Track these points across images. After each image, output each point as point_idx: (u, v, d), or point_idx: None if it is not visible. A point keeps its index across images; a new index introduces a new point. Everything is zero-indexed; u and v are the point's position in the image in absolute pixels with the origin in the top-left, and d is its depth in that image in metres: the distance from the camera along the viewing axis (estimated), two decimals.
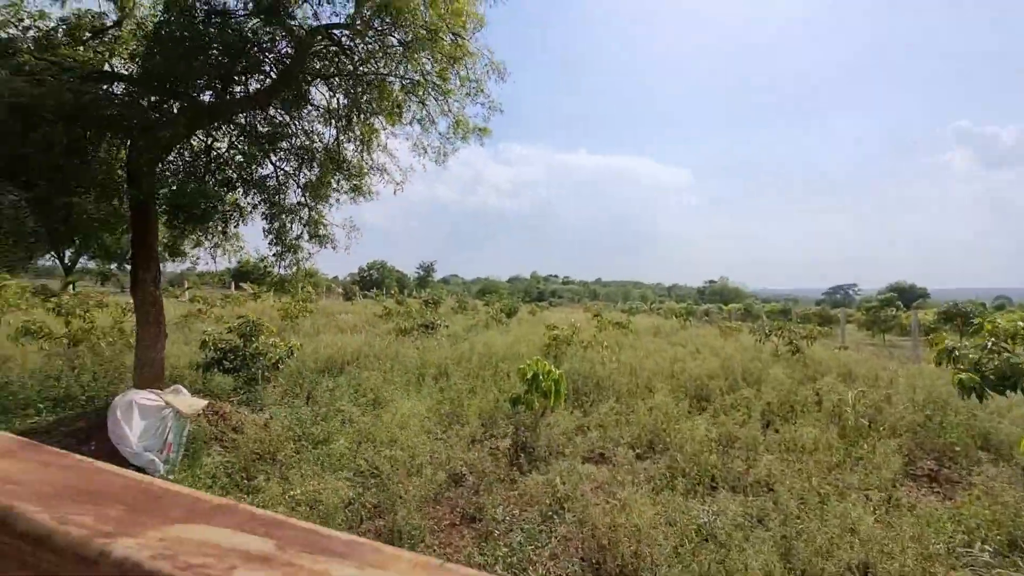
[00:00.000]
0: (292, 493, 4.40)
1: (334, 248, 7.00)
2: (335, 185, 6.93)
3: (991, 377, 4.98)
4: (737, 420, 6.31)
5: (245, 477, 4.97)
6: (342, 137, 7.16)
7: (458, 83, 6.75)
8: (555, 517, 4.10)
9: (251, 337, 8.11)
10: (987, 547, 3.55)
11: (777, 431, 6.05)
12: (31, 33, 6.27)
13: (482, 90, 6.85)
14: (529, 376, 6.28)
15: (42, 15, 6.45)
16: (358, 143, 7.20)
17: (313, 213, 7.00)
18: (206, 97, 6.61)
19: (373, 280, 60.58)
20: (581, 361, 9.19)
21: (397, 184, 7.39)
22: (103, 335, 9.19)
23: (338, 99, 7.11)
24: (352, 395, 7.24)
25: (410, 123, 7.34)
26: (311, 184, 6.76)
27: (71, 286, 21.42)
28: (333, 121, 7.27)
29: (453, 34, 6.28)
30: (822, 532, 3.63)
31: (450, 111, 7.21)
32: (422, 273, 74.45)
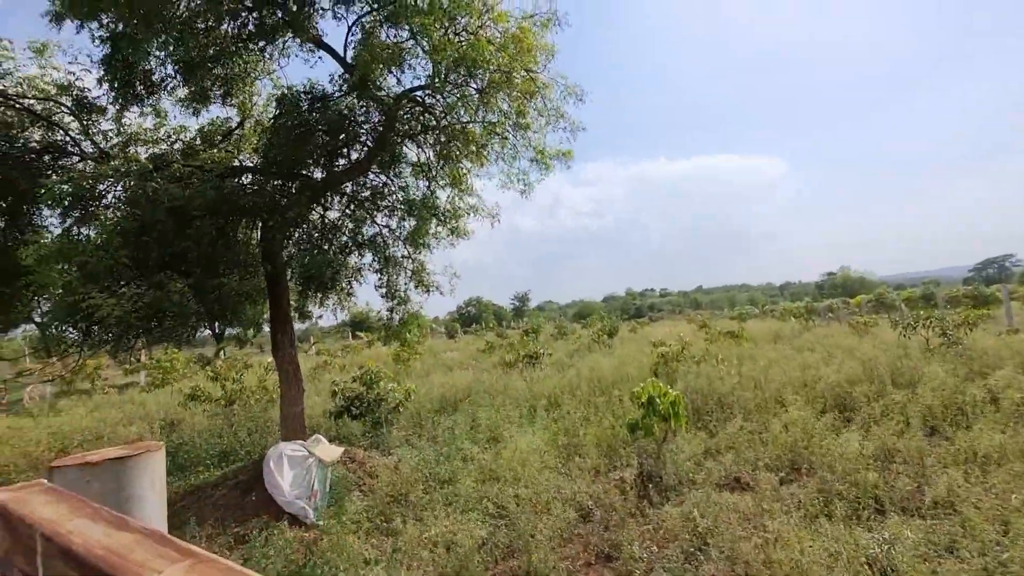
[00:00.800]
0: (428, 535, 4.53)
1: (440, 293, 7.34)
2: (432, 232, 7.31)
3: None
4: (893, 430, 5.55)
5: (384, 520, 5.21)
6: (434, 185, 7.59)
7: (536, 114, 6.89)
8: (699, 554, 3.81)
9: (372, 384, 8.66)
10: None
11: (948, 439, 5.25)
12: (177, 145, 7.44)
13: (562, 115, 6.93)
14: (644, 400, 6.01)
15: (183, 128, 7.63)
16: (449, 188, 7.59)
17: (416, 263, 7.42)
18: (318, 174, 7.36)
19: (472, 316, 62.68)
20: (696, 378, 8.67)
21: (493, 218, 7.63)
22: (251, 394, 10.32)
23: (427, 152, 7.57)
24: (469, 432, 7.40)
25: (495, 161, 7.59)
26: (411, 234, 7.20)
27: (222, 352, 24.51)
28: (424, 173, 7.74)
29: (526, 70, 6.46)
30: None
31: (530, 144, 7.36)
32: (517, 303, 75.73)
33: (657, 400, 5.97)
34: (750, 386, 7.88)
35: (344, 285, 7.19)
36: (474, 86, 6.64)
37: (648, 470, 5.62)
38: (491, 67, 6.28)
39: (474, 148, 7.13)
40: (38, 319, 7.65)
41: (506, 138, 7.32)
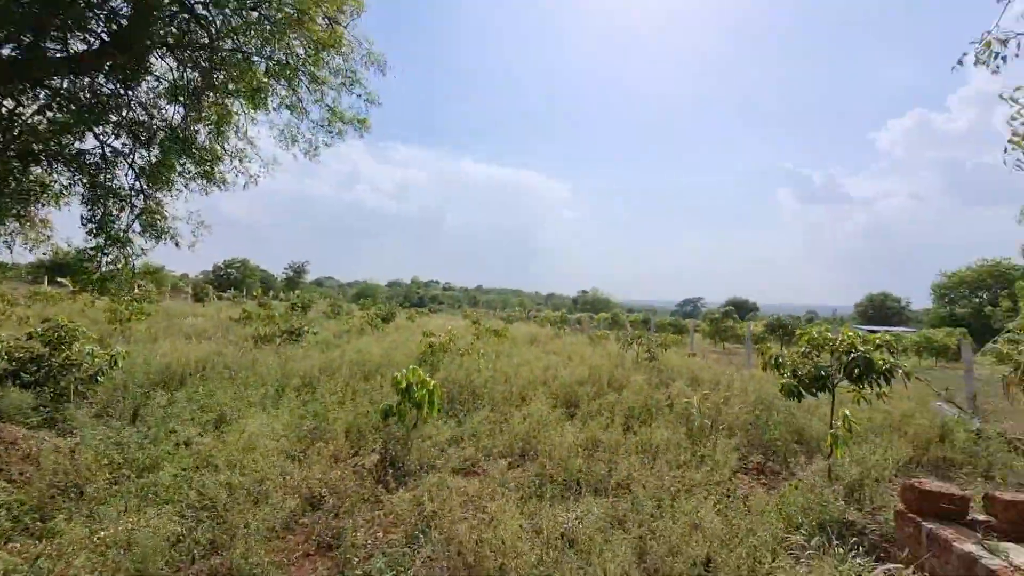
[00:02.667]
0: (101, 534, 3.64)
1: (176, 244, 6.06)
2: (180, 170, 6.01)
3: (805, 380, 5.86)
4: (602, 424, 6.60)
5: (39, 519, 4.03)
6: (191, 115, 6.25)
7: (330, 72, 6.28)
8: (421, 537, 3.89)
9: (61, 344, 6.73)
10: (802, 532, 4.07)
11: (635, 433, 6.44)
12: None
13: (358, 81, 6.44)
14: (403, 386, 6.00)
15: None
16: (210, 125, 6.35)
17: (150, 201, 6.00)
18: (6, 51, 5.37)
19: (231, 280, 54.81)
20: (458, 369, 9.04)
21: (251, 177, 6.65)
22: None
23: (186, 73, 6.21)
24: (194, 412, 6.32)
25: (276, 109, 6.67)
26: (149, 167, 5.79)
27: None
28: (181, 98, 6.32)
29: (327, 18, 5.83)
30: (673, 530, 3.88)
31: (324, 101, 6.69)
32: (291, 274, 69.08)
33: (415, 387, 6.04)
34: (502, 380, 8.51)
35: (13, 203, 5.34)
36: (264, 12, 5.72)
37: (392, 456, 5.60)
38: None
39: (247, 86, 6.11)
40: None
41: (295, 88, 6.50)
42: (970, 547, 3.21)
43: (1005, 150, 3.00)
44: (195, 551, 3.68)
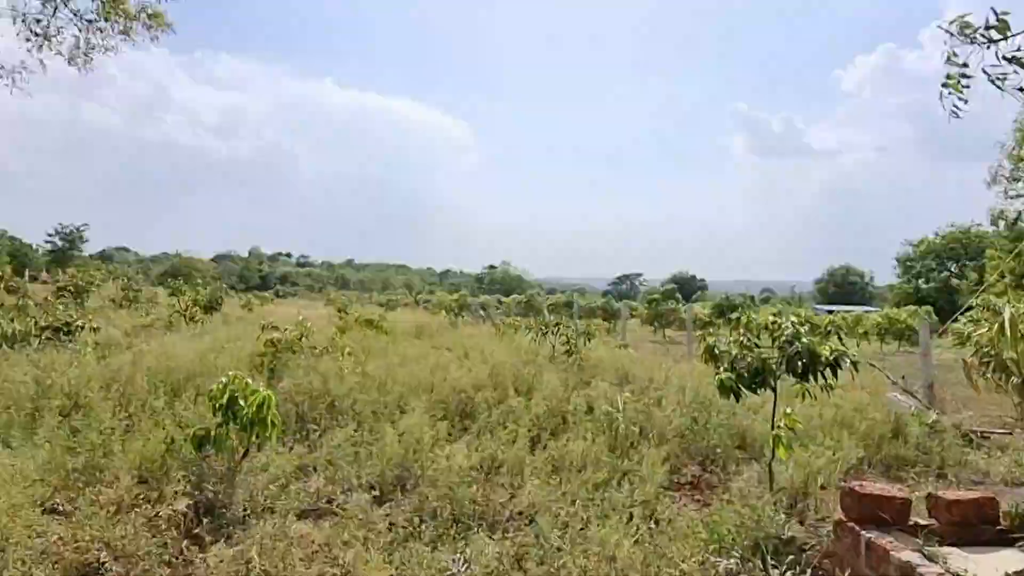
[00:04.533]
0: None
1: None
2: None
3: (745, 375, 6.40)
4: (503, 439, 6.79)
5: None
6: None
7: None
8: None
9: None
10: (735, 554, 4.51)
11: (545, 448, 6.73)
12: None
13: None
14: (223, 401, 5.74)
15: None
16: None
17: None
18: None
19: None
20: (310, 374, 8.84)
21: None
22: None
23: None
24: None
25: None
26: None
27: None
28: None
29: None
30: (582, 566, 4.13)
31: None
32: (60, 244, 62.81)
33: (241, 402, 5.83)
34: (373, 388, 8.47)
35: None
36: None
37: (208, 500, 5.39)
38: None
39: None
40: None
41: None
42: (908, 555, 3.75)
43: (940, 95, 3.45)
44: None
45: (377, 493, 5.76)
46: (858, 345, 25.00)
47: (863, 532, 4.15)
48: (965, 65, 3.32)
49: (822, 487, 5.97)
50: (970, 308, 12.25)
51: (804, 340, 6.05)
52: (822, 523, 5.35)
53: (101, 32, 6.33)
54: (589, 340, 12.61)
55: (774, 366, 6.17)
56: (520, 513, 5.32)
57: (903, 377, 11.16)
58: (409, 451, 6.33)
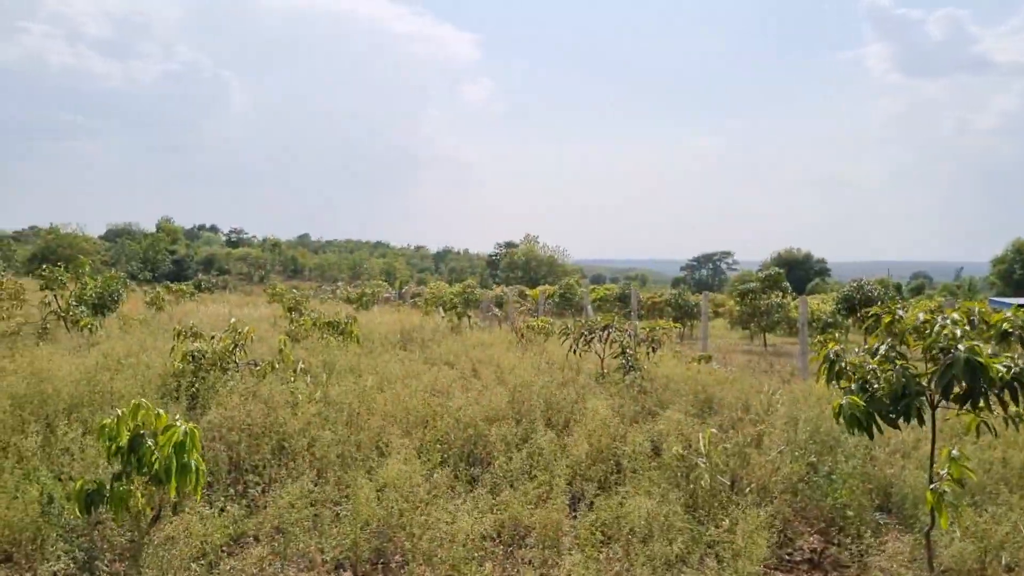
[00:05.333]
0: None
1: None
2: None
3: (884, 399, 5.21)
4: (530, 495, 6.13)
5: None
6: None
7: None
8: None
9: None
10: None
11: (591, 507, 6.04)
12: None
13: None
14: (123, 442, 5.20)
15: None
16: None
17: None
18: None
19: None
20: (247, 402, 8.01)
21: None
22: None
23: None
24: None
25: None
26: None
27: None
28: None
29: None
30: None
31: None
32: None
33: (149, 442, 5.24)
34: (340, 421, 7.80)
35: None
36: None
37: None
38: None
39: None
40: None
41: None
42: None
43: None
44: None
45: (348, 574, 5.42)
46: None
47: None
48: None
49: (1008, 569, 5.14)
50: None
51: (962, 347, 4.96)
52: None
53: None
54: (654, 350, 11.59)
55: (925, 386, 5.26)
56: None
57: None
58: (393, 513, 5.74)
